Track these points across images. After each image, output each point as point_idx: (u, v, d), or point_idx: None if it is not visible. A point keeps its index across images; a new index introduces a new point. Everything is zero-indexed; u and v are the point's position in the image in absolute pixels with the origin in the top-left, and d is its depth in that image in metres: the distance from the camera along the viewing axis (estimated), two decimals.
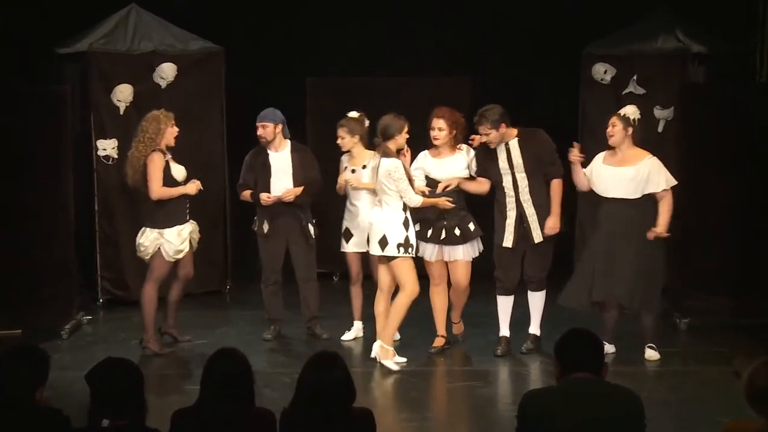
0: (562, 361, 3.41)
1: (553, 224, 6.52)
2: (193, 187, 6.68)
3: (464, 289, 6.82)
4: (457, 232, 6.68)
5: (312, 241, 7.05)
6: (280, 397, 5.29)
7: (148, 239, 6.66)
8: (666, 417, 5.56)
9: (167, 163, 6.62)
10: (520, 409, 3.41)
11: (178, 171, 6.69)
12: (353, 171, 6.95)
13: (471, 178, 6.69)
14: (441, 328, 6.88)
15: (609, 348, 6.44)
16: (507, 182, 6.57)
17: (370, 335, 7.09)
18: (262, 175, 7.01)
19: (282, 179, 6.98)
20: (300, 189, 6.94)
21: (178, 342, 7.05)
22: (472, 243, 6.73)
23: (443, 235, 6.69)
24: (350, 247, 7.02)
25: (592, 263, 6.43)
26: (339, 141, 6.94)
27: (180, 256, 6.68)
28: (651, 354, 6.54)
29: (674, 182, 6.39)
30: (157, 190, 6.55)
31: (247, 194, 7.06)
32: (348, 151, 6.99)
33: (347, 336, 7.12)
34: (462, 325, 7.10)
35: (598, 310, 6.54)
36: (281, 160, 7.00)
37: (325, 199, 7.53)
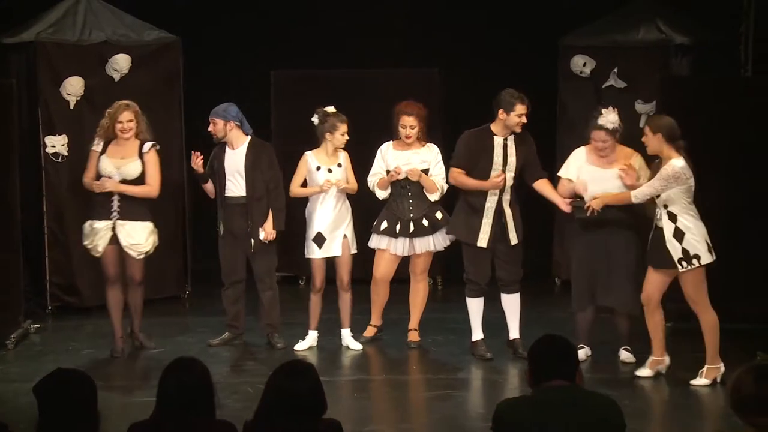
0: (535, 367, 3.45)
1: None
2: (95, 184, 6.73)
3: (421, 278, 7.04)
4: (425, 222, 6.93)
5: (254, 250, 6.93)
6: (242, 408, 5.29)
7: None
8: (648, 427, 5.62)
9: (100, 156, 6.73)
10: (495, 418, 3.44)
11: (104, 166, 6.75)
12: (329, 170, 6.95)
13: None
14: (377, 318, 7.22)
15: (629, 357, 6.64)
16: None
17: (324, 344, 7.09)
18: (219, 175, 6.98)
19: (236, 180, 6.93)
20: (270, 226, 6.90)
21: (145, 348, 7.05)
22: (442, 232, 6.96)
23: (412, 228, 6.92)
24: (321, 253, 6.99)
25: (591, 268, 6.51)
26: (347, 137, 6.91)
27: (91, 250, 6.75)
28: (627, 356, 6.66)
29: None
30: (83, 179, 6.84)
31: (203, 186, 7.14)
32: (313, 149, 6.99)
33: (301, 345, 7.08)
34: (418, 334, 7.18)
35: (609, 316, 6.67)
36: (236, 160, 6.94)
37: (288, 199, 7.51)
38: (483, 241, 6.65)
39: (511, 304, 6.81)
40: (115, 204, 6.68)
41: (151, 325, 7.69)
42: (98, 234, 6.71)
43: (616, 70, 8.55)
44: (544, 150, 7.11)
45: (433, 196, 6.94)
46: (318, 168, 6.95)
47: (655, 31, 8.58)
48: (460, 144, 6.75)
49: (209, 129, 6.99)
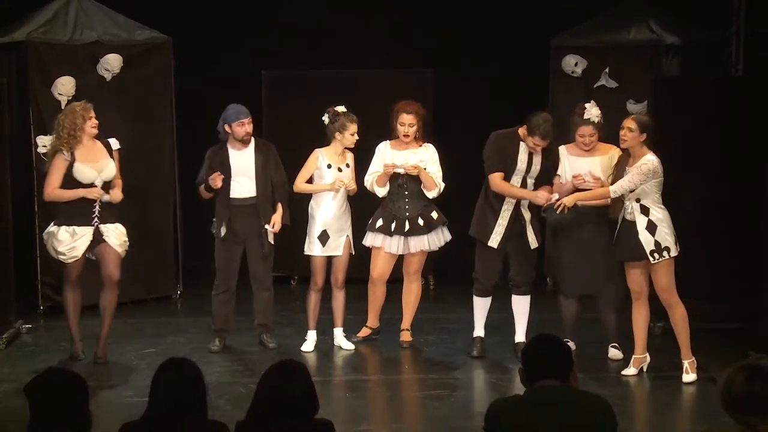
0: (529, 367, 3.45)
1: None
2: (90, 191, 6.51)
3: (414, 278, 7.05)
4: (421, 221, 6.94)
5: (266, 250, 6.94)
6: (234, 409, 5.30)
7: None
8: (639, 426, 5.62)
9: (71, 164, 6.51)
10: (487, 418, 3.45)
11: (83, 172, 6.53)
12: (339, 170, 6.94)
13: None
14: (373, 319, 7.22)
15: (617, 354, 6.71)
16: (515, 183, 6.65)
17: (317, 344, 7.07)
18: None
19: (243, 181, 6.87)
20: (279, 219, 6.85)
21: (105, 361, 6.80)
22: (437, 231, 6.95)
23: (407, 227, 6.92)
24: (325, 251, 6.97)
25: (576, 257, 6.58)
26: (356, 137, 6.88)
27: (63, 258, 6.57)
28: (615, 353, 6.72)
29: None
30: (46, 191, 6.57)
31: (204, 192, 6.90)
32: (323, 146, 6.98)
33: (307, 347, 7.05)
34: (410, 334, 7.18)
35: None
36: (243, 160, 6.87)
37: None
38: (494, 241, 6.66)
39: (520, 306, 6.82)
40: (97, 209, 6.53)
41: (142, 325, 7.69)
42: (80, 239, 6.54)
43: (607, 70, 8.58)
44: None
45: (431, 193, 6.93)
46: (329, 166, 6.92)
47: (647, 31, 8.60)
48: (490, 147, 6.64)
49: (246, 130, 6.81)
